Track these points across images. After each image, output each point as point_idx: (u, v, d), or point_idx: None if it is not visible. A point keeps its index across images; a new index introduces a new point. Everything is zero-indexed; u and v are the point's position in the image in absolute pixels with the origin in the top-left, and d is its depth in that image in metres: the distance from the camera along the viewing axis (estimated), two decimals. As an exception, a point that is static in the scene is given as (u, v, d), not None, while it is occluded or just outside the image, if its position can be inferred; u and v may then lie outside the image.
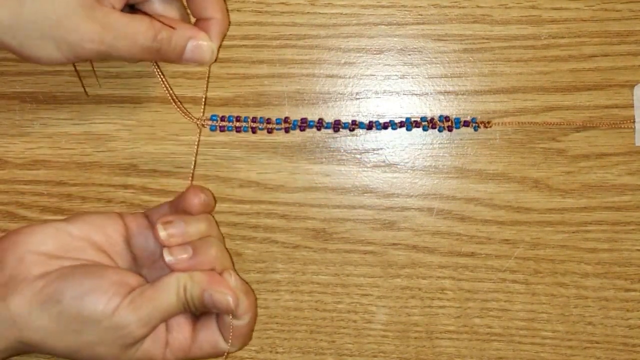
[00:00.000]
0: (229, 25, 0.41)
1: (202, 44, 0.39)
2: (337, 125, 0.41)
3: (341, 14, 0.43)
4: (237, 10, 0.43)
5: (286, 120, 0.41)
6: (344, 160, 0.44)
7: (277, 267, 0.44)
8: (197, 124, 0.42)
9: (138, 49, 0.37)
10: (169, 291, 0.37)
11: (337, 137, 0.44)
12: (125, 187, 0.44)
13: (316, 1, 0.43)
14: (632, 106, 0.43)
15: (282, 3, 0.43)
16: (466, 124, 0.42)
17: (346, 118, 0.43)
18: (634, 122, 0.43)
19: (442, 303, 0.44)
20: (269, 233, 0.44)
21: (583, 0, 0.42)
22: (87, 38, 0.36)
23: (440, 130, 0.42)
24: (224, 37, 0.41)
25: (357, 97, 0.43)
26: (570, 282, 0.43)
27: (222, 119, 0.41)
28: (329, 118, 0.43)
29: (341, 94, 0.43)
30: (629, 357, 0.43)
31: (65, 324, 0.36)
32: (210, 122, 0.41)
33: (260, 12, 0.43)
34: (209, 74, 0.43)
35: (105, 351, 0.37)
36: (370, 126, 0.42)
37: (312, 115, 0.43)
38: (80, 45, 0.36)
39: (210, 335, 0.39)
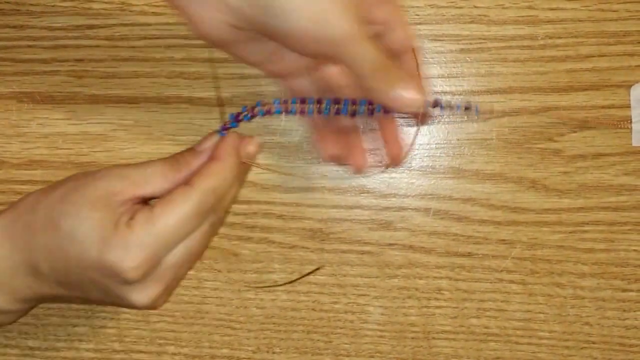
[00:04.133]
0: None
1: (413, 84, 0.36)
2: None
3: (338, 14, 0.43)
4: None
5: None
6: (340, 160, 0.44)
7: (274, 267, 0.44)
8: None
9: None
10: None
11: (334, 137, 0.44)
12: (122, 187, 0.44)
13: (313, 1, 0.43)
14: (628, 106, 0.43)
15: (279, 3, 0.43)
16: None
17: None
18: (630, 122, 0.43)
19: (438, 303, 0.44)
20: (266, 233, 0.44)
21: (580, 1, 0.42)
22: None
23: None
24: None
25: (354, 97, 0.43)
26: (567, 283, 0.43)
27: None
28: (326, 118, 0.43)
29: (338, 94, 0.43)
30: (626, 357, 0.43)
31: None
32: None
33: (257, 12, 0.43)
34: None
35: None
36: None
37: (309, 115, 0.43)
38: None
39: None
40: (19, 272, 0.36)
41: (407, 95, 0.36)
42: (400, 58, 0.39)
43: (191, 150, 0.38)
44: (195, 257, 0.37)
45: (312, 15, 0.34)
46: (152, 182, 0.36)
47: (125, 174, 0.36)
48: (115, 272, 0.34)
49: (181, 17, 0.36)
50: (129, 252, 0.34)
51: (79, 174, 0.37)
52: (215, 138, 0.38)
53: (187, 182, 0.36)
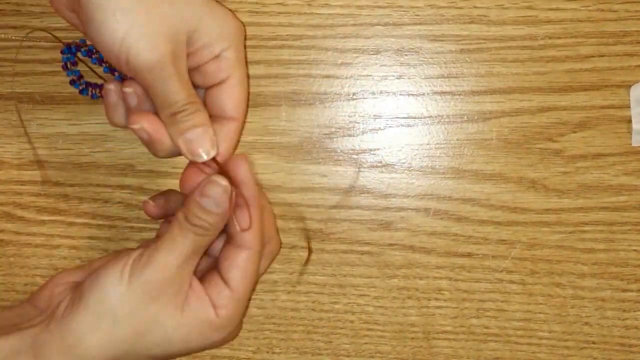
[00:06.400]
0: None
1: (205, 131, 0.35)
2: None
3: (338, 14, 0.43)
4: (234, 11, 0.43)
5: None
6: (340, 160, 0.44)
7: (274, 267, 0.44)
8: None
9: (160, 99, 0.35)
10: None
11: (334, 138, 0.44)
12: (122, 187, 0.44)
13: (313, 2, 0.43)
14: (628, 106, 0.43)
15: (279, 3, 0.43)
16: None
17: (343, 118, 0.43)
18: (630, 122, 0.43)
19: (438, 303, 0.44)
20: (266, 233, 0.44)
21: (579, 1, 0.42)
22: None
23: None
24: (236, 142, 0.39)
25: (354, 97, 0.43)
26: (567, 283, 0.43)
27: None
28: (326, 119, 0.43)
29: (338, 94, 0.43)
30: (626, 357, 0.43)
31: None
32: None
33: (257, 12, 0.43)
34: None
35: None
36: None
37: (309, 116, 0.43)
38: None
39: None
40: None
41: (194, 145, 0.35)
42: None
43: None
44: None
45: (124, 36, 0.34)
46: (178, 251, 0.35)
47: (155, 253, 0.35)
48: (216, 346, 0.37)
49: None
50: (228, 333, 0.37)
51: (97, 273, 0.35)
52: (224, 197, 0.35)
53: (242, 246, 0.37)
